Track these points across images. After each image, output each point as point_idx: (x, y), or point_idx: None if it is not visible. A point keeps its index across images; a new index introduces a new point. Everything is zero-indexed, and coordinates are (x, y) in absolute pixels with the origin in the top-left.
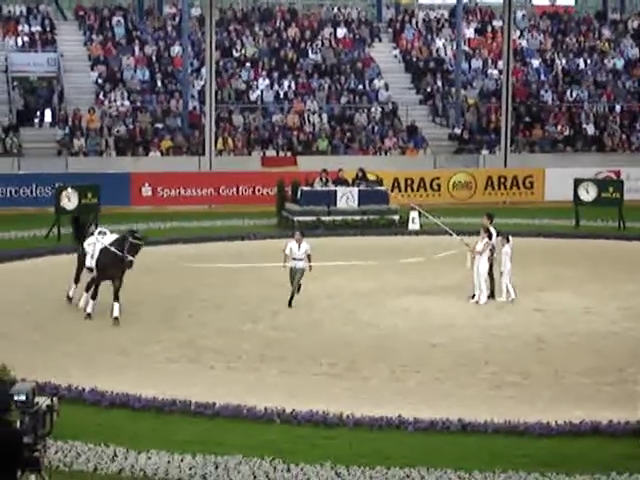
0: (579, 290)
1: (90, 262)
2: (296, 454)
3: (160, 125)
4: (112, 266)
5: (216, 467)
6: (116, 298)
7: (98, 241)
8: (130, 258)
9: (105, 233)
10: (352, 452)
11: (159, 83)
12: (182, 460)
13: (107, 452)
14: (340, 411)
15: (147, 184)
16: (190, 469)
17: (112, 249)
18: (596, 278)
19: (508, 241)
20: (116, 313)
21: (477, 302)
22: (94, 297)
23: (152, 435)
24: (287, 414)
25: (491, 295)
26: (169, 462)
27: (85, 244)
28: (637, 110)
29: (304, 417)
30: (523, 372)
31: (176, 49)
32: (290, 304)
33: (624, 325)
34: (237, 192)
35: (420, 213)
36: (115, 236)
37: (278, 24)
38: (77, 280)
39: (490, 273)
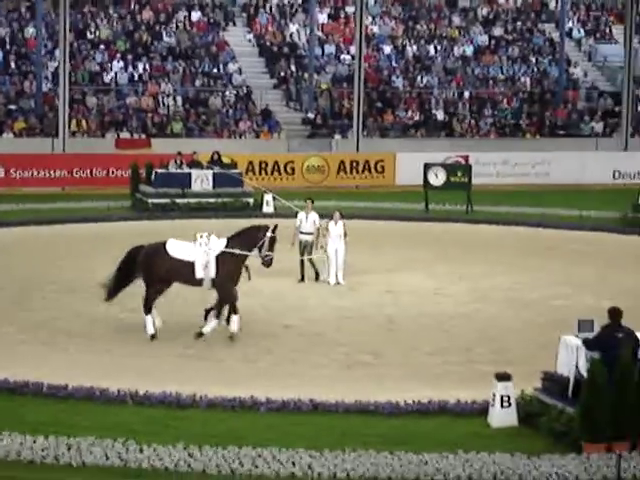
0: (429, 272)
1: (202, 272)
2: (149, 435)
3: (13, 106)
4: (239, 270)
5: (69, 448)
6: (234, 310)
7: (209, 248)
8: (270, 255)
9: (206, 236)
10: (205, 432)
11: (12, 64)
12: (34, 442)
13: None
14: (193, 392)
15: None
16: (42, 450)
17: (236, 251)
18: (445, 260)
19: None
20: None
21: (338, 283)
22: (219, 315)
23: (4, 417)
24: (140, 395)
25: (316, 277)
26: (21, 444)
27: (176, 255)
28: (485, 96)
29: (157, 398)
30: (374, 352)
31: (30, 30)
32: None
33: (472, 306)
34: (91, 174)
35: (274, 197)
36: (218, 239)
37: (132, 7)
38: (151, 308)
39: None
